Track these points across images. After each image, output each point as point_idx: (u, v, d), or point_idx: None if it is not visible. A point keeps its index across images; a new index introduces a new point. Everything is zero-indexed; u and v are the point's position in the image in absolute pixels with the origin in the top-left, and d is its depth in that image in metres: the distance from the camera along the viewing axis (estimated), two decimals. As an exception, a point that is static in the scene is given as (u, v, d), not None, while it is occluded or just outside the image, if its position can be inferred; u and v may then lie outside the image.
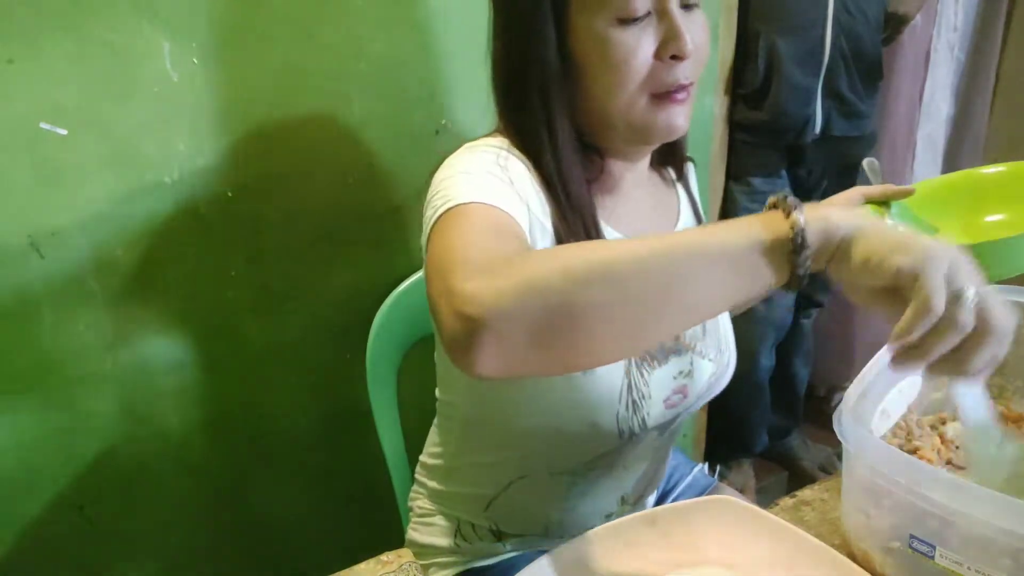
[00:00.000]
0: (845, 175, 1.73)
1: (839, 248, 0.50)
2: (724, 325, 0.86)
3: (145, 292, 0.97)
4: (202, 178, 0.97)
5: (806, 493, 0.82)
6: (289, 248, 1.06)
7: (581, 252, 0.51)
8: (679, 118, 0.70)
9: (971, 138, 2.05)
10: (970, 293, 0.47)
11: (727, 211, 1.72)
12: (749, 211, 1.67)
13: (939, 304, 0.46)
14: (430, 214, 0.64)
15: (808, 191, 1.75)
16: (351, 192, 1.08)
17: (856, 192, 0.85)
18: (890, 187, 0.85)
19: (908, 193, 0.85)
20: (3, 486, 0.95)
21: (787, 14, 1.57)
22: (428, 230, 0.63)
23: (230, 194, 0.99)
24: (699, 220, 0.89)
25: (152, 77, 0.91)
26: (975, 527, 0.54)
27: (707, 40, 0.71)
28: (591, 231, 0.71)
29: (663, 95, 0.68)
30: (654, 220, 0.83)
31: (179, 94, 0.93)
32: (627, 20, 0.65)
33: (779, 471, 2.10)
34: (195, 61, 0.93)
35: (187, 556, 1.11)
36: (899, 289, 0.48)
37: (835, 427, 0.63)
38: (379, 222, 1.12)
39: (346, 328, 1.12)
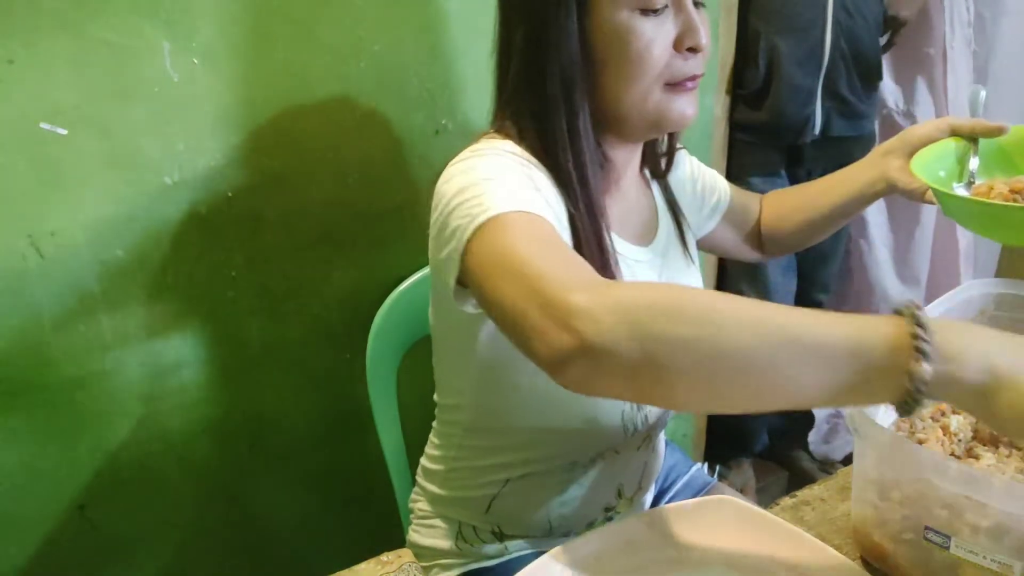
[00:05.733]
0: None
1: (979, 393, 0.47)
2: None
3: (145, 292, 0.97)
4: (202, 178, 0.97)
5: (806, 493, 0.82)
6: (289, 248, 1.06)
7: (686, 293, 0.50)
8: (690, 107, 0.73)
9: None
10: None
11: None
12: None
13: None
14: (463, 223, 0.61)
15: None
16: (351, 192, 1.08)
17: (944, 122, 0.82)
18: (981, 122, 0.80)
19: (999, 132, 0.79)
20: (4, 487, 0.95)
21: (787, 15, 1.58)
22: (465, 239, 0.60)
23: (230, 194, 0.99)
24: (677, 219, 0.89)
25: (152, 77, 0.91)
26: (991, 516, 0.55)
27: (710, 37, 0.74)
28: (600, 232, 0.71)
29: (676, 85, 0.71)
30: (637, 220, 0.84)
31: (179, 94, 0.93)
32: (648, 11, 0.68)
33: (779, 471, 2.10)
34: (195, 61, 0.93)
35: (187, 557, 1.11)
36: None
37: (846, 420, 0.64)
38: (379, 222, 1.12)
39: (346, 328, 1.12)
